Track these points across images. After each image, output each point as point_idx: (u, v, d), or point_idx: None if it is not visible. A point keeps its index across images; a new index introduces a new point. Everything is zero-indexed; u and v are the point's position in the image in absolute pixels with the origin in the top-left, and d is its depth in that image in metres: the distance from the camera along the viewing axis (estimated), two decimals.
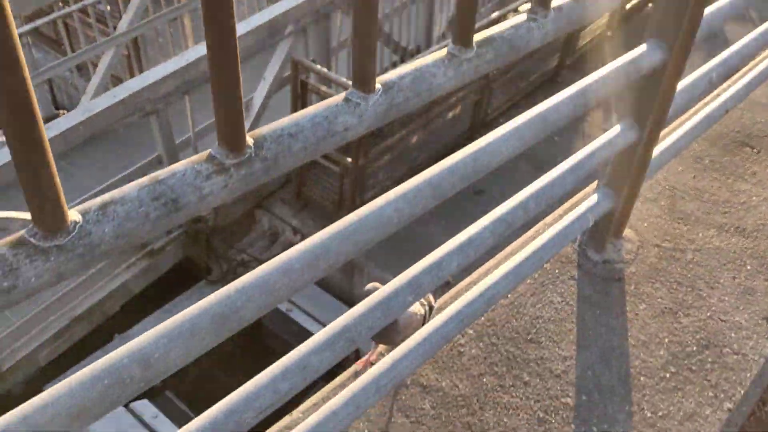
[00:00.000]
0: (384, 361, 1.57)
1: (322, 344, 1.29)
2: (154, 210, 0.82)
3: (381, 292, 1.42)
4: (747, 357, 2.03)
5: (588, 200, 2.12)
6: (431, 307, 1.79)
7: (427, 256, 1.52)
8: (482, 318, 2.06)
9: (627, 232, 2.41)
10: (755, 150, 2.95)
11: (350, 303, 5.42)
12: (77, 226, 0.76)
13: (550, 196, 1.73)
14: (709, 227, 2.51)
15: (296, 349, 1.28)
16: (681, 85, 2.09)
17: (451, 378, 1.87)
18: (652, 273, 2.28)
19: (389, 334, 1.62)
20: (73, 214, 0.77)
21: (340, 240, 1.16)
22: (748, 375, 1.98)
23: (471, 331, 2.01)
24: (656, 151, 2.32)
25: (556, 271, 2.25)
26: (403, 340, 1.62)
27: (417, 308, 1.71)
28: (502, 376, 1.89)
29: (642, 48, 1.75)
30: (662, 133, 2.49)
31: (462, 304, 1.70)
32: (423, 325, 1.69)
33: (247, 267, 5.56)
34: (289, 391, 1.23)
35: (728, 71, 2.48)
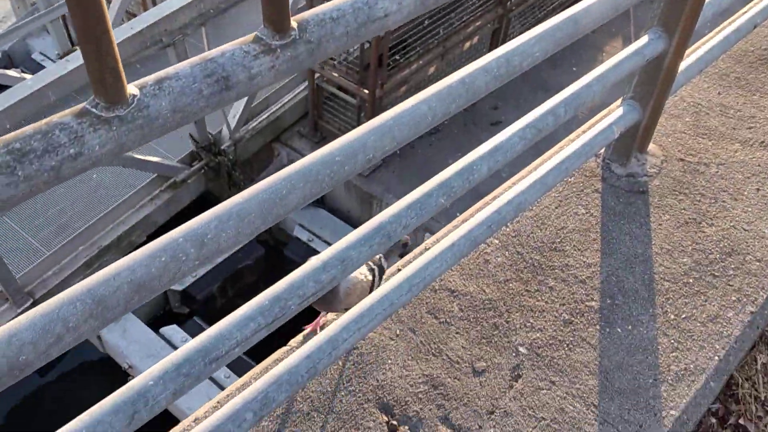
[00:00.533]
0: (412, 265, 1.60)
1: (361, 239, 1.32)
2: (207, 87, 0.84)
3: (414, 193, 1.44)
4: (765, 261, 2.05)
5: (614, 113, 2.11)
6: (382, 271, 1.70)
7: (459, 161, 1.53)
8: (507, 229, 2.09)
9: (651, 147, 2.40)
10: None
11: None
12: (135, 98, 0.78)
13: (579, 103, 1.73)
14: (734, 142, 2.49)
15: (335, 244, 1.32)
16: None
17: (478, 283, 1.91)
18: (676, 186, 2.28)
19: (331, 301, 1.53)
20: (132, 88, 0.79)
21: (377, 136, 1.18)
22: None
23: (497, 241, 2.04)
24: (683, 65, 2.29)
25: (581, 184, 2.26)
26: (347, 308, 1.53)
27: (363, 275, 1.61)
28: (528, 281, 1.93)
29: None
30: (689, 49, 2.45)
31: (491, 210, 1.73)
32: (371, 291, 1.59)
33: None
34: (330, 282, 1.27)
35: None
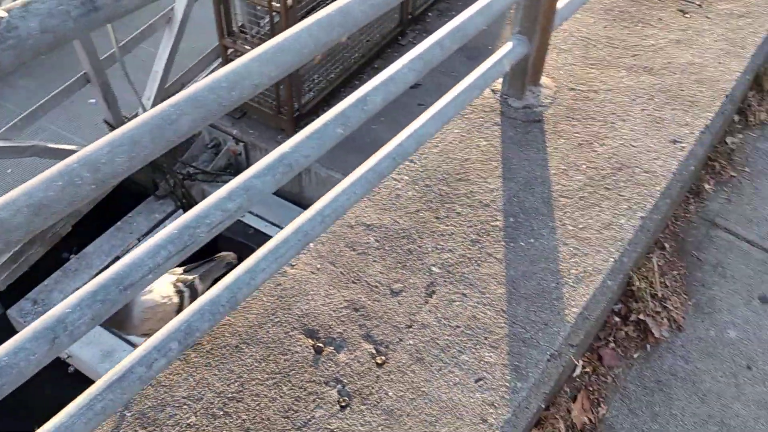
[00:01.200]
0: (324, 198, 1.68)
1: (264, 169, 1.39)
2: (74, 8, 0.88)
3: (313, 124, 1.52)
4: (656, 174, 2.22)
5: (504, 47, 2.23)
6: (194, 293, 1.63)
7: (354, 92, 1.61)
8: (416, 165, 2.18)
9: (544, 79, 2.54)
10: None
11: (300, 203, 5.52)
12: (3, 20, 0.82)
13: (463, 34, 1.83)
14: (620, 69, 2.66)
15: (240, 174, 1.38)
16: None
17: (392, 216, 2.00)
18: (568, 113, 2.43)
19: (122, 323, 1.46)
20: (0, 12, 0.83)
21: (261, 62, 1.24)
22: (658, 189, 2.17)
23: (406, 177, 2.14)
24: (562, 1, 2.43)
25: (481, 119, 2.38)
26: (149, 332, 1.45)
27: (167, 297, 1.54)
28: (437, 210, 2.04)
29: None
30: None
31: (394, 144, 1.82)
32: (178, 313, 1.47)
33: (193, 180, 5.57)
34: (237, 210, 1.33)
35: None
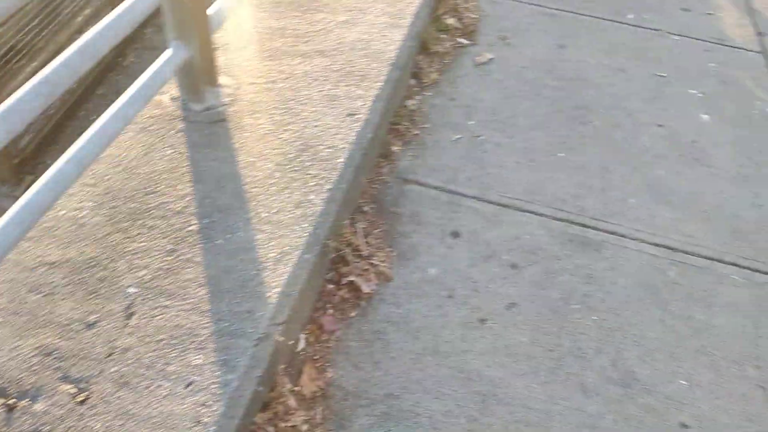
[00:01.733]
0: None
1: None
2: None
3: None
4: (337, 147, 2.38)
5: (163, 56, 2.22)
6: None
7: None
8: (99, 189, 2.10)
9: (224, 79, 2.58)
10: None
11: None
12: None
13: (95, 51, 1.78)
14: (295, 57, 2.79)
15: None
16: None
17: (77, 247, 1.92)
18: (251, 107, 2.50)
19: None
20: None
21: None
22: (341, 159, 2.33)
23: (90, 203, 2.05)
24: (215, 7, 2.48)
25: (164, 129, 2.36)
26: None
27: None
28: (127, 229, 1.99)
29: None
30: None
31: (51, 172, 1.73)
32: None
33: None
34: None
35: None
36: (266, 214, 2.10)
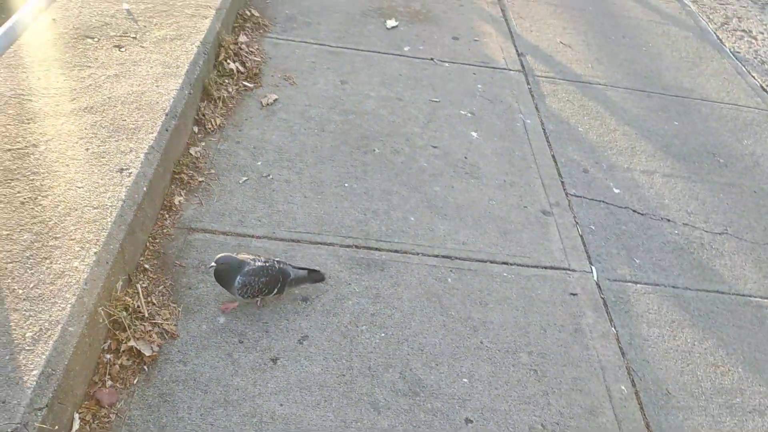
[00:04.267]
0: None
1: None
2: None
3: None
4: (106, 206, 2.21)
5: None
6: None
7: None
8: None
9: None
10: (95, 39, 3.08)
11: None
12: None
13: None
14: (60, 116, 2.57)
15: None
16: None
17: None
18: (7, 175, 2.26)
19: None
20: None
21: None
22: (109, 219, 2.17)
23: None
24: None
25: None
26: None
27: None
28: None
29: None
30: None
31: None
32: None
33: None
34: None
35: None
36: (23, 291, 1.89)
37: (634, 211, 3.10)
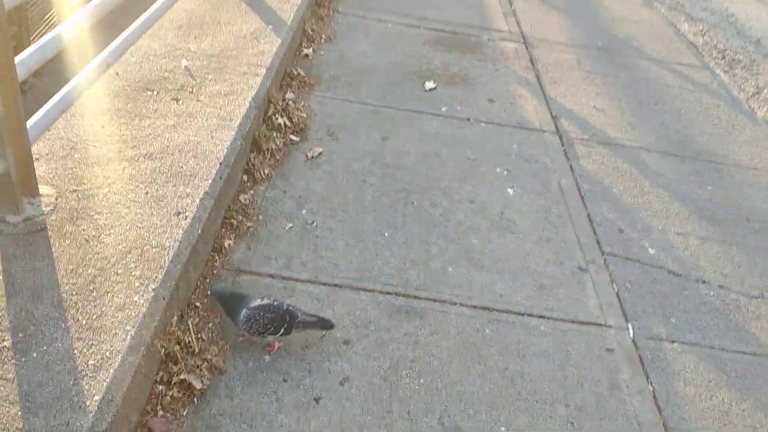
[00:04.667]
0: None
1: None
2: None
3: None
4: (164, 246, 2.34)
5: None
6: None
7: None
8: None
9: (44, 188, 2.49)
10: (155, 92, 3.31)
11: None
12: None
13: None
14: (122, 161, 2.75)
15: None
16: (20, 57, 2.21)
17: None
18: (73, 213, 2.42)
19: None
20: None
21: None
22: (167, 258, 2.30)
23: None
24: (33, 119, 2.42)
25: None
26: None
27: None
28: None
29: None
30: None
31: None
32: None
33: None
34: None
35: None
36: (86, 321, 2.01)
37: (669, 271, 3.14)
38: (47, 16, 4.93)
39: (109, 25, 3.35)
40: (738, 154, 4.35)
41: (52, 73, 2.66)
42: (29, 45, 2.79)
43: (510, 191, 3.54)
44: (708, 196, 3.83)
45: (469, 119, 4.22)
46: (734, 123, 4.78)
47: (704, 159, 4.22)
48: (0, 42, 2.04)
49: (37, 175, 2.43)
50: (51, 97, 2.74)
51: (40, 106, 2.63)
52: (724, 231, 3.53)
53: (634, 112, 4.67)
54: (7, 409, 1.71)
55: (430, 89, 4.51)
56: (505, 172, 3.71)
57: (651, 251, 3.26)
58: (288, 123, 3.74)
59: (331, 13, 5.42)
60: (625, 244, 3.28)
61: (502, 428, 2.23)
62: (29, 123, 2.38)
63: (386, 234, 3.05)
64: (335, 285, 2.71)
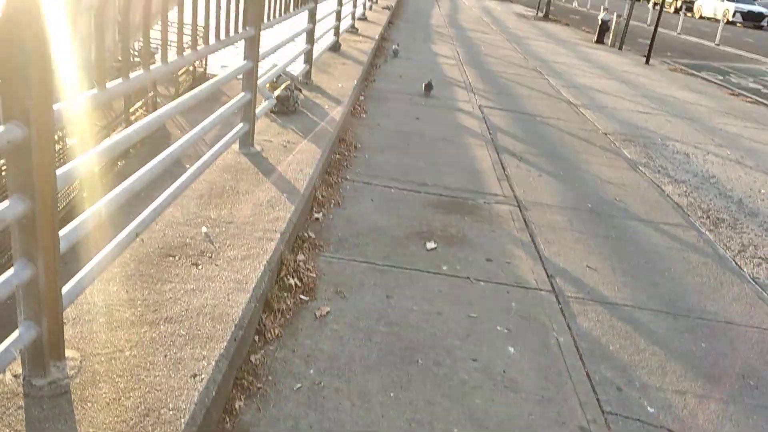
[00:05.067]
0: None
1: None
2: None
3: None
4: (180, 408, 2.45)
5: (12, 336, 2.29)
6: None
7: None
8: None
9: (70, 352, 2.64)
10: (176, 257, 3.56)
11: None
12: None
13: None
14: (144, 325, 2.93)
15: None
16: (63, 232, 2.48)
17: None
18: (96, 377, 2.55)
19: None
20: None
21: None
22: (183, 420, 2.39)
23: None
24: (68, 286, 2.64)
25: (1, 408, 2.33)
26: None
27: None
28: None
29: None
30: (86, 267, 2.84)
31: None
32: None
33: None
34: None
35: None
36: None
37: (669, 430, 3.19)
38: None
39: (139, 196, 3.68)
40: (729, 312, 4.51)
41: (86, 242, 2.91)
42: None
43: (511, 349, 3.67)
44: (702, 353, 3.94)
45: (468, 278, 4.44)
46: (722, 280, 4.99)
47: (696, 316, 4.38)
48: (47, 221, 2.30)
49: (64, 339, 2.59)
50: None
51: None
52: (721, 388, 3.60)
53: (626, 271, 4.90)
54: None
55: (431, 249, 4.78)
56: (506, 331, 3.86)
57: (650, 410, 3.32)
58: (298, 283, 3.96)
59: (340, 180, 5.87)
60: (624, 403, 3.35)
61: None
62: (64, 290, 2.59)
63: (392, 394, 3.14)
64: None
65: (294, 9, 6.61)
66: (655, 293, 4.62)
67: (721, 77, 17.56)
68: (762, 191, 7.59)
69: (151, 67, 3.28)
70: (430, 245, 4.83)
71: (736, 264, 5.37)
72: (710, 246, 5.66)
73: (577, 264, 4.89)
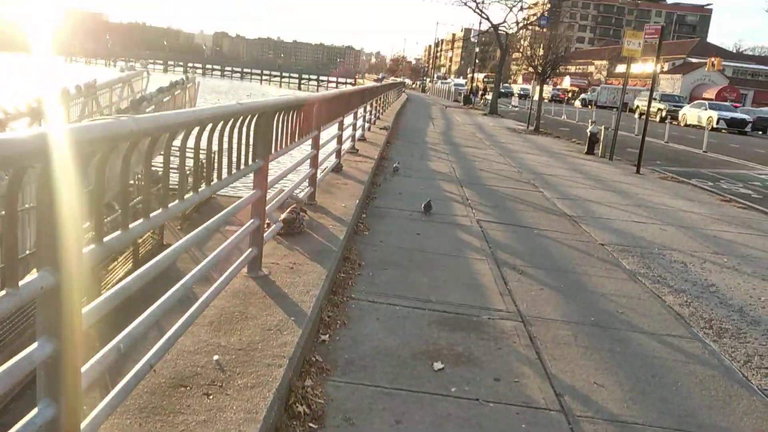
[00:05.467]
0: None
1: None
2: None
3: None
4: None
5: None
6: None
7: None
8: None
9: None
10: (188, 387, 3.60)
11: None
12: None
13: None
14: None
15: None
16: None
17: None
18: None
19: None
20: None
21: None
22: None
23: None
24: (85, 422, 2.69)
25: None
26: None
27: None
28: None
29: None
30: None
31: None
32: None
33: None
34: None
35: (134, 340, 3.10)
36: None
37: None
38: None
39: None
40: (740, 427, 4.47)
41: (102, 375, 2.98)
42: None
43: None
44: None
45: (477, 399, 4.43)
46: (731, 393, 4.97)
47: None
48: (71, 362, 2.39)
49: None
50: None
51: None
52: None
53: (633, 386, 4.89)
54: None
55: (438, 369, 4.80)
56: None
57: None
58: (307, 410, 3.96)
59: (346, 299, 5.97)
60: None
61: None
62: (82, 425, 2.62)
63: None
64: None
65: (299, 138, 7.01)
66: (665, 409, 4.59)
67: (711, 183, 18.09)
68: (762, 298, 7.66)
69: (170, 205, 3.50)
70: (438, 365, 4.86)
71: (743, 375, 5.36)
72: (716, 357, 5.67)
73: (585, 380, 4.89)
